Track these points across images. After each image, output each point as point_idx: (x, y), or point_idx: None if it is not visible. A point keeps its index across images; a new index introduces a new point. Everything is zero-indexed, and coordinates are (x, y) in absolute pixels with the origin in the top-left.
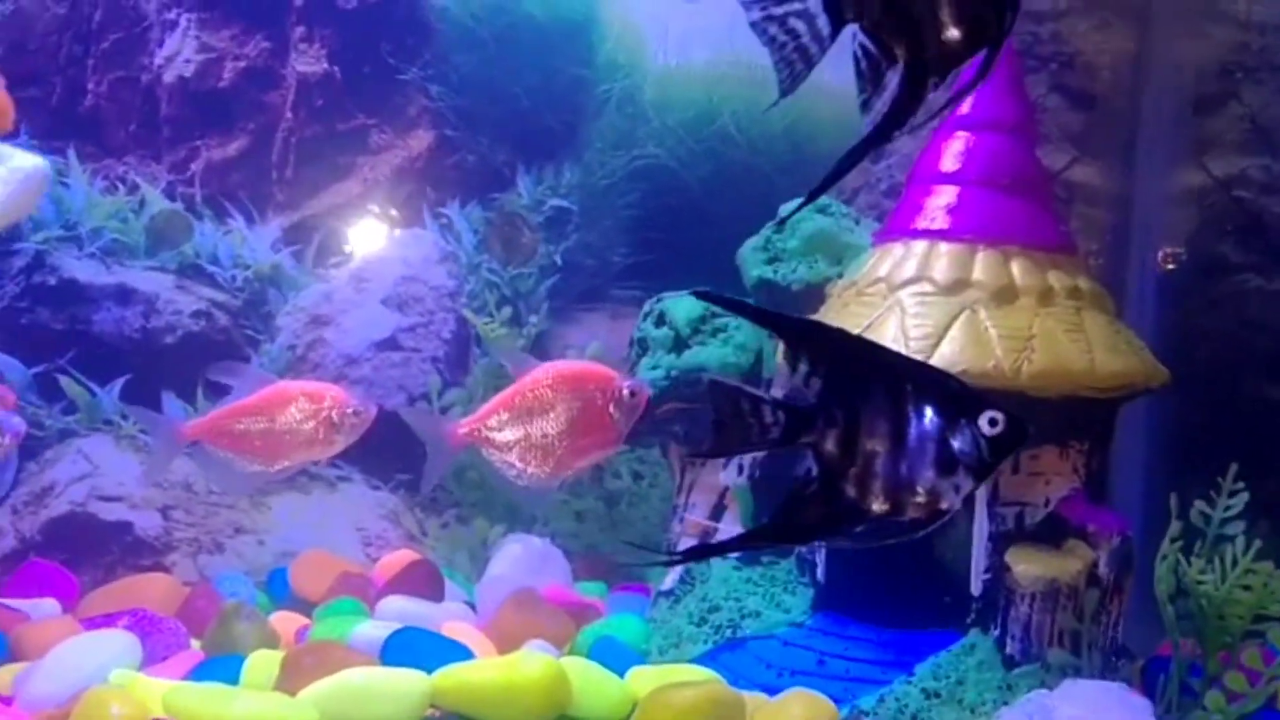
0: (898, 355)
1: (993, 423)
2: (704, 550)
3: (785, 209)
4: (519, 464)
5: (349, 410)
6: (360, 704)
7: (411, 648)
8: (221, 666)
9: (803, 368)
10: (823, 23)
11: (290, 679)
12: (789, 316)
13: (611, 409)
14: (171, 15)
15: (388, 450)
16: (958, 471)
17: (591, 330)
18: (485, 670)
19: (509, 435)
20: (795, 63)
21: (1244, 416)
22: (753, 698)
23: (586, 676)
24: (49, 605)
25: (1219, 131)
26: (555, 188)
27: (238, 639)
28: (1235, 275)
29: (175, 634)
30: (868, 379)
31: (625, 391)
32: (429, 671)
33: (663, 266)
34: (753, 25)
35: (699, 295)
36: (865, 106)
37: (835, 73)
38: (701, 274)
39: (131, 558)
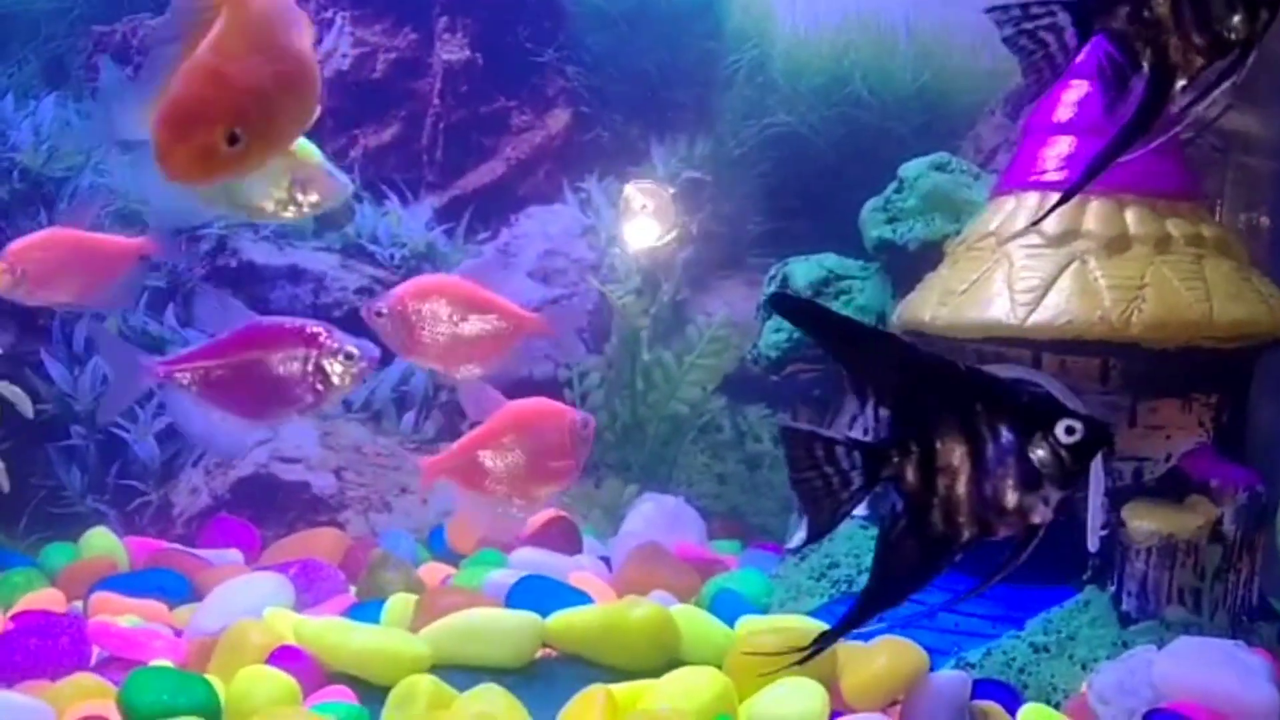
0: (966, 371)
1: (1070, 430)
2: (833, 634)
3: (906, 169)
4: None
5: (342, 353)
6: (473, 641)
7: (534, 593)
8: (368, 609)
9: (870, 397)
10: (1070, 35)
11: (421, 619)
12: (853, 331)
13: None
14: (329, 14)
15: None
16: (1043, 485)
17: (726, 298)
18: (594, 614)
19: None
20: (1043, 70)
21: None
22: (846, 645)
23: (694, 624)
24: (233, 555)
25: None
26: (689, 160)
27: (385, 585)
28: None
29: (335, 581)
30: (936, 401)
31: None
32: (547, 615)
33: (797, 233)
34: (1005, 39)
35: (774, 301)
36: (1109, 110)
37: (966, 34)
38: (835, 239)
39: (309, 514)
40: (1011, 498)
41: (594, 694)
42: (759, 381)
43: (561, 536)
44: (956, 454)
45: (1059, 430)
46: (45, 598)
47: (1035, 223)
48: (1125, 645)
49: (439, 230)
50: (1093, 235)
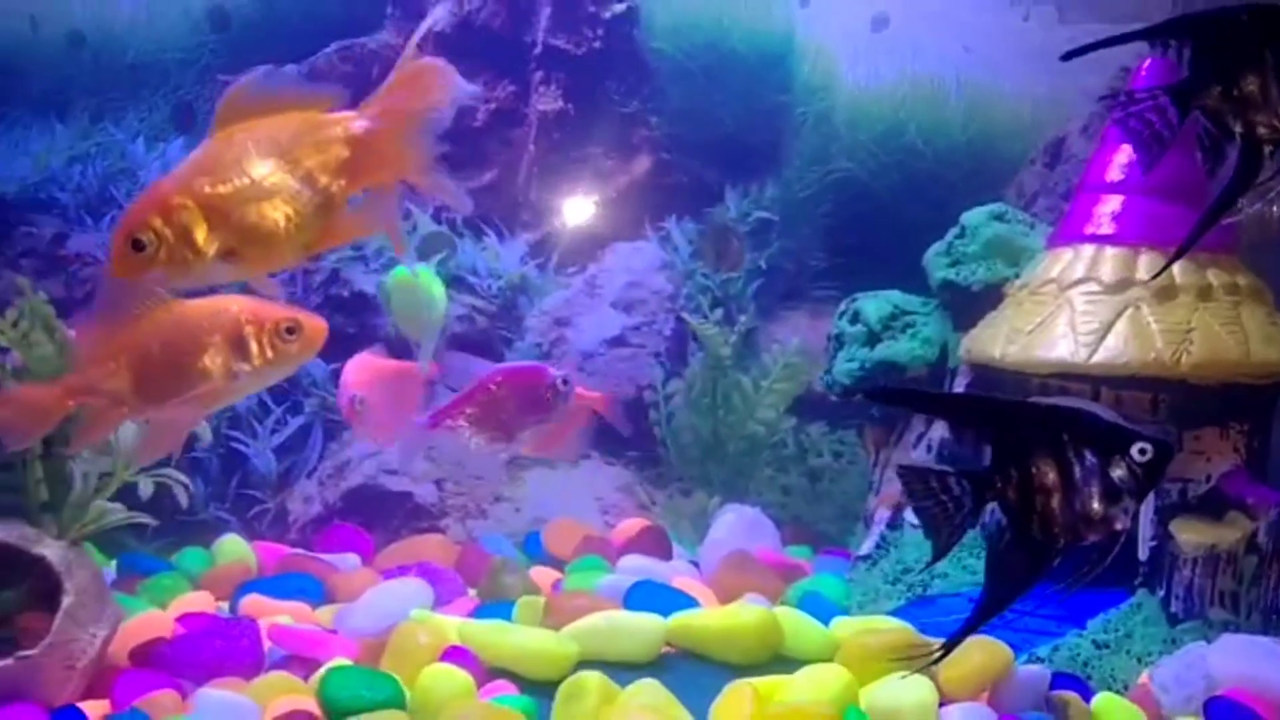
0: (1051, 407)
1: (1142, 451)
2: (961, 633)
3: (968, 217)
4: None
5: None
6: (610, 640)
7: (649, 597)
8: (496, 609)
9: (969, 436)
10: (1172, 112)
11: (552, 619)
12: (948, 396)
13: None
14: None
15: (622, 434)
16: (1122, 497)
17: (793, 326)
18: (711, 616)
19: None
20: (1151, 145)
21: None
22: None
23: (796, 624)
24: (351, 559)
25: None
26: (759, 201)
27: (505, 588)
28: None
29: (454, 583)
30: (1029, 435)
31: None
32: (664, 616)
33: (856, 269)
34: (1116, 122)
35: (873, 394)
36: (1211, 174)
37: (1010, 90)
38: (890, 275)
39: (412, 521)
40: (1097, 509)
41: (742, 689)
42: (819, 402)
43: (655, 544)
44: (1050, 476)
45: (1134, 451)
46: (195, 600)
47: (1154, 277)
48: (1174, 642)
49: (532, 264)
50: (1145, 284)
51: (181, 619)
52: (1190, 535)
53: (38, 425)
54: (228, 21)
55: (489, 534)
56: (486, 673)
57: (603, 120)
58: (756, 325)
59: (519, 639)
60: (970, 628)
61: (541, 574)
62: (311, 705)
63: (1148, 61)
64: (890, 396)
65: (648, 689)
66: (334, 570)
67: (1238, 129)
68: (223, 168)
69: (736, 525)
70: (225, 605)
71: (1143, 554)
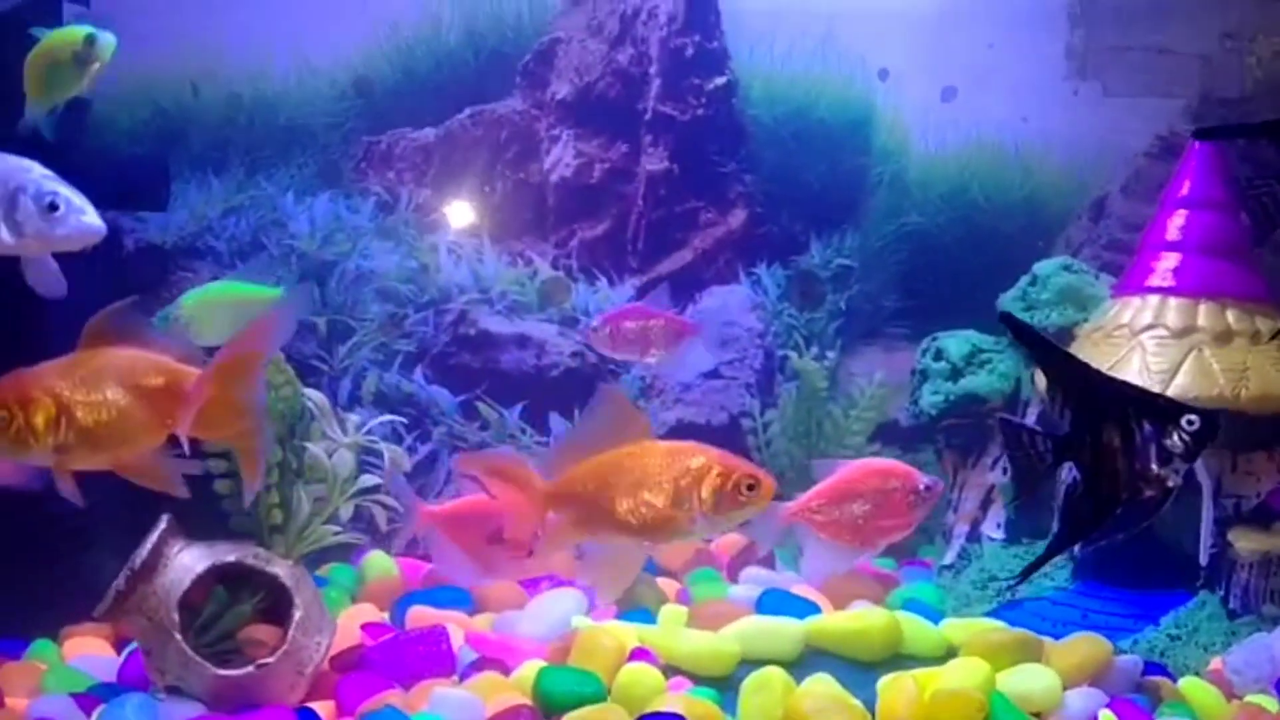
0: (1121, 383)
1: (1190, 423)
2: (1031, 567)
3: (1040, 267)
4: (829, 539)
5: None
6: (761, 641)
7: (778, 603)
8: (640, 616)
9: (1059, 402)
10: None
11: (699, 624)
12: (1054, 351)
13: (910, 500)
14: (556, 131)
15: None
16: (1174, 460)
17: (869, 361)
18: (844, 619)
19: (825, 517)
20: (1262, 225)
21: None
22: (1054, 642)
23: (912, 625)
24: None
25: None
26: (840, 250)
27: (640, 597)
28: None
29: (583, 598)
30: (1103, 406)
31: (922, 486)
32: (798, 619)
33: (925, 310)
34: (1242, 196)
35: (1002, 318)
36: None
37: (1061, 155)
38: (956, 315)
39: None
40: (1154, 469)
41: (902, 679)
42: (894, 429)
43: (763, 557)
44: (1116, 441)
45: (1184, 422)
46: (362, 611)
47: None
48: (1234, 634)
49: None
50: (1205, 330)
51: (365, 628)
52: (1246, 543)
53: (522, 529)
54: (371, 88)
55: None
56: (664, 670)
57: (703, 178)
58: (839, 360)
59: (692, 641)
60: (1043, 561)
61: (664, 584)
62: (524, 701)
63: (1196, 145)
64: (1018, 331)
65: (821, 682)
66: (475, 583)
67: None
68: (79, 379)
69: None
70: (387, 616)
71: (1204, 560)
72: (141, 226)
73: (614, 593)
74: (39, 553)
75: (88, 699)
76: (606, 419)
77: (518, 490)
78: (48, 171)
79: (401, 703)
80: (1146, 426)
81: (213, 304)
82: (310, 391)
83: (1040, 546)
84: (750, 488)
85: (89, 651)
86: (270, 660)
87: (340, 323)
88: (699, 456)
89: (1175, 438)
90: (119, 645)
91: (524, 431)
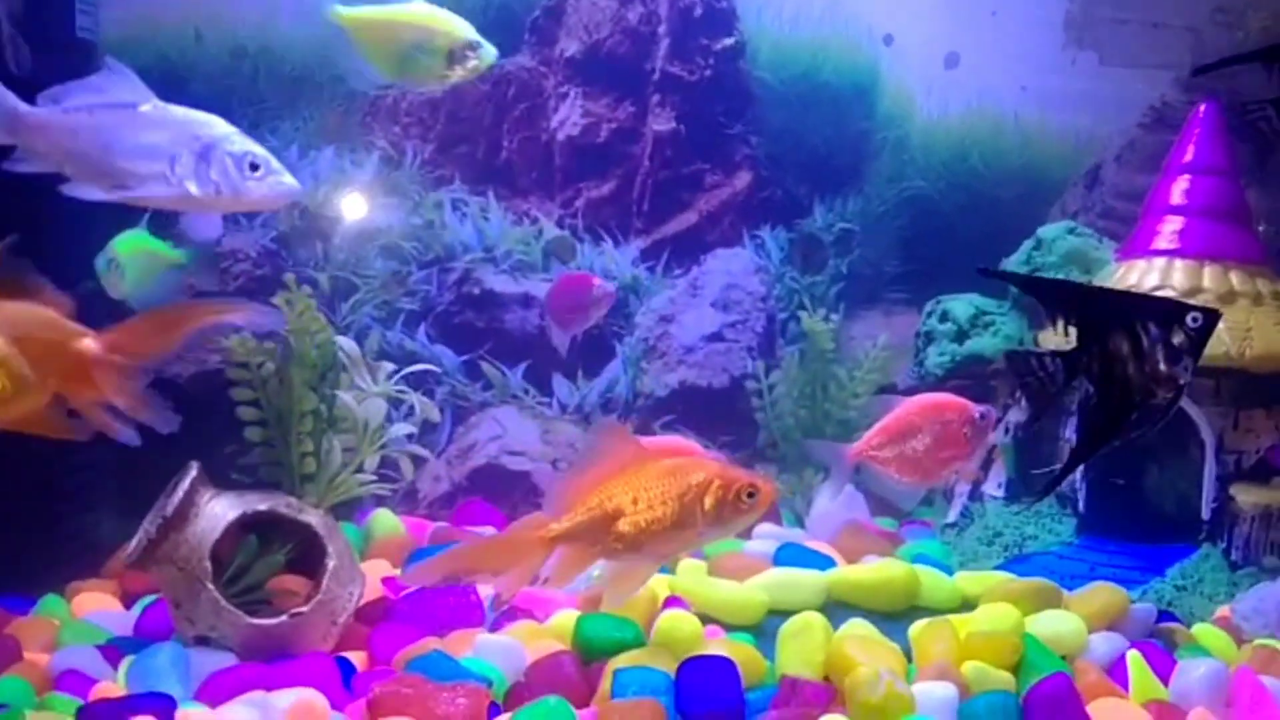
0: (1119, 293)
1: (1194, 319)
2: (1064, 470)
3: (1045, 231)
4: (896, 475)
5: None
6: (785, 590)
7: (794, 557)
8: (660, 571)
9: (1060, 320)
10: (1276, 121)
11: (720, 576)
12: (1045, 280)
13: (966, 430)
14: (564, 89)
15: (716, 419)
16: (1183, 358)
17: (870, 324)
18: (866, 571)
19: (888, 453)
20: (1261, 147)
21: None
22: (1072, 592)
23: (928, 577)
24: (490, 531)
25: None
26: (843, 214)
27: None
28: None
29: None
30: (1106, 317)
31: (977, 415)
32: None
33: (925, 275)
34: (1238, 129)
35: (980, 272)
36: None
37: (1058, 123)
38: (955, 280)
39: (531, 498)
40: (1164, 369)
41: (939, 623)
42: (890, 391)
43: (771, 515)
44: (1124, 347)
45: (1188, 320)
46: (377, 567)
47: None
48: (1236, 584)
49: (643, 267)
50: (1210, 291)
51: (385, 581)
52: (1247, 497)
53: (527, 570)
54: None
55: None
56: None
57: (710, 140)
58: (840, 324)
59: (723, 590)
60: (1066, 472)
61: None
62: (561, 647)
63: (1204, 105)
64: (1001, 277)
65: (859, 626)
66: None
67: None
68: None
69: (839, 500)
70: (399, 573)
71: (1206, 514)
72: None
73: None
74: (42, 512)
75: (109, 650)
76: (605, 450)
77: (518, 555)
78: (236, 129)
79: (443, 651)
80: (1152, 329)
81: (135, 254)
82: (342, 340)
83: (1041, 505)
84: (750, 495)
85: (99, 607)
86: (305, 609)
87: (343, 279)
88: (699, 472)
89: (1181, 335)
90: (126, 600)
91: (527, 392)
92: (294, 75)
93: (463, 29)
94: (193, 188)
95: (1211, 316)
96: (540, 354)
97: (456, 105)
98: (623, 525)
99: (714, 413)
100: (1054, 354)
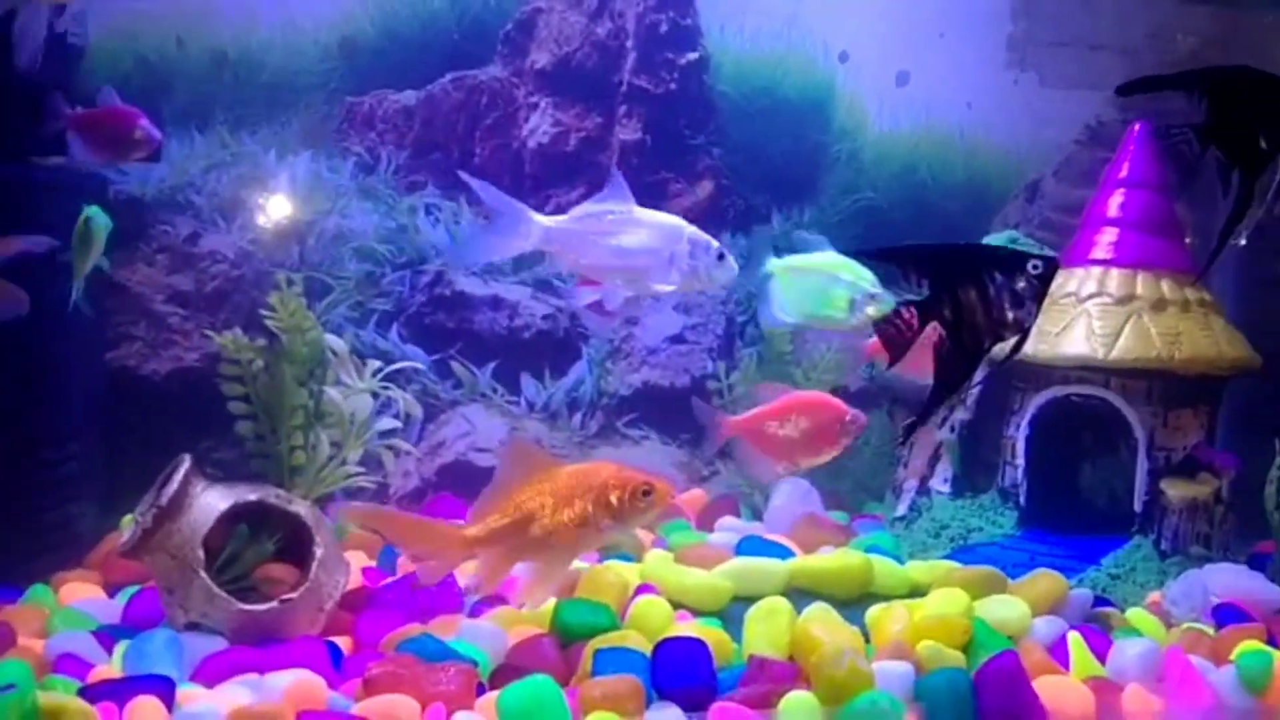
0: (966, 245)
1: (1035, 267)
2: (918, 420)
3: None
4: (763, 453)
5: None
6: (749, 579)
7: (755, 548)
8: (625, 560)
9: (912, 275)
10: (1196, 146)
11: (686, 565)
12: (894, 246)
13: (836, 428)
14: (534, 99)
15: (677, 418)
16: (1026, 303)
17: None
18: (825, 560)
19: (766, 431)
20: (1184, 170)
21: None
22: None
23: (882, 566)
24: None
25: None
26: (799, 223)
27: (620, 544)
28: None
29: None
30: (954, 269)
31: (847, 417)
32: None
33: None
34: (1164, 150)
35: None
36: (1223, 194)
37: (1001, 139)
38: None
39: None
40: (1010, 314)
41: (893, 606)
42: (843, 393)
43: (729, 509)
44: (974, 294)
45: (1029, 268)
46: (352, 558)
47: (1198, 277)
48: (1164, 573)
49: None
50: (1143, 298)
51: (364, 571)
52: (1175, 491)
53: (445, 564)
54: (355, 49)
55: None
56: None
57: (674, 150)
58: None
59: (692, 577)
60: (927, 412)
61: (643, 534)
62: (540, 631)
63: (1138, 125)
64: (860, 253)
65: (821, 610)
66: None
67: (1238, 162)
68: None
69: (794, 493)
70: (375, 564)
71: (1138, 507)
72: (122, 178)
73: (543, 598)
74: (25, 504)
75: (102, 636)
76: (518, 464)
77: (438, 544)
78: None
79: (431, 634)
80: (998, 277)
81: None
82: (331, 337)
83: (984, 500)
84: (646, 493)
85: (85, 596)
86: (294, 596)
87: (318, 280)
88: (600, 474)
89: (1024, 281)
90: (110, 590)
91: (495, 391)
92: (273, 81)
93: (866, 278)
94: (677, 278)
95: (1051, 264)
96: (508, 354)
97: (430, 113)
98: (535, 529)
99: (676, 412)
100: (909, 303)
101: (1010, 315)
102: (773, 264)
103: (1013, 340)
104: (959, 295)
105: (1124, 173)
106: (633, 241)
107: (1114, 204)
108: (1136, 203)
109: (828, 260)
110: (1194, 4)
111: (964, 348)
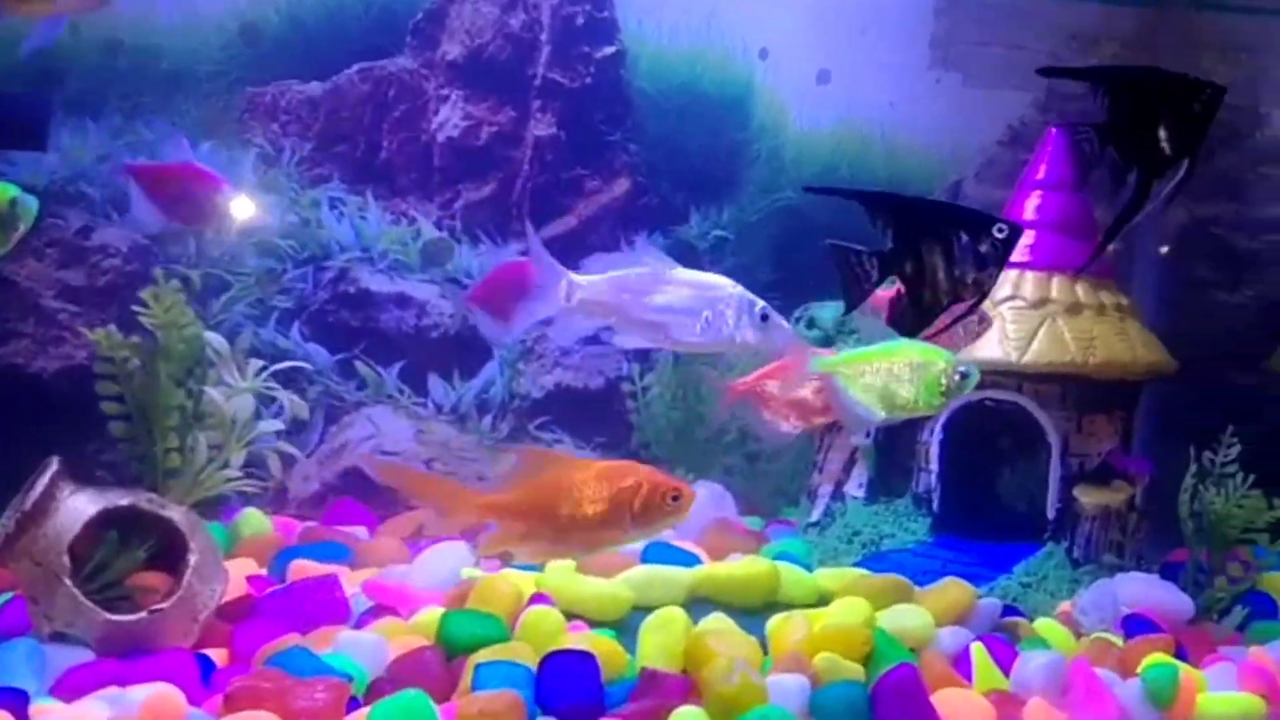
0: (936, 202)
1: (1000, 230)
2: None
3: None
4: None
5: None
6: (650, 588)
7: (661, 554)
8: (528, 569)
9: (880, 224)
10: (1096, 144)
11: (588, 573)
12: (869, 191)
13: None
14: (445, 92)
15: (591, 421)
16: (989, 265)
17: None
18: (731, 568)
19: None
20: (1084, 167)
21: (1212, 396)
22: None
23: (789, 573)
24: (361, 531)
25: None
26: (718, 222)
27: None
28: (1208, 291)
29: (471, 550)
30: (919, 224)
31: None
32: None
33: (796, 283)
34: (1071, 142)
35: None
36: (1115, 192)
37: (923, 139)
38: (824, 288)
39: (402, 498)
40: (972, 274)
41: (794, 616)
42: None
43: None
44: (937, 253)
45: (994, 230)
46: (240, 565)
47: (1078, 271)
48: (1076, 582)
49: None
50: (1058, 302)
51: (249, 580)
52: (1089, 498)
53: (459, 520)
54: (258, 37)
55: None
56: (562, 614)
57: (589, 146)
58: None
59: (589, 587)
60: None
61: None
62: (425, 643)
63: (1054, 129)
64: (828, 191)
65: (718, 620)
66: (356, 540)
67: (1135, 162)
68: None
69: (707, 499)
70: (265, 571)
71: (1051, 514)
72: (11, 169)
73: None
74: None
75: None
76: (538, 467)
77: (460, 500)
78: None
79: (304, 646)
80: (962, 237)
81: None
82: (211, 335)
83: (898, 505)
84: (675, 498)
85: None
86: (165, 606)
87: (215, 276)
88: (631, 476)
89: (989, 244)
90: None
91: (402, 392)
92: (171, 69)
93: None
94: (718, 338)
95: (1015, 228)
96: (415, 354)
97: (336, 105)
98: (558, 513)
99: (589, 414)
100: (872, 252)
101: (971, 277)
102: (820, 363)
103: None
104: (922, 251)
105: (1040, 174)
106: (671, 301)
107: (1030, 206)
108: (1052, 205)
109: (884, 348)
110: (1117, 5)
111: (920, 305)
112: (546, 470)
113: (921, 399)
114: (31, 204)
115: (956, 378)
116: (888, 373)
